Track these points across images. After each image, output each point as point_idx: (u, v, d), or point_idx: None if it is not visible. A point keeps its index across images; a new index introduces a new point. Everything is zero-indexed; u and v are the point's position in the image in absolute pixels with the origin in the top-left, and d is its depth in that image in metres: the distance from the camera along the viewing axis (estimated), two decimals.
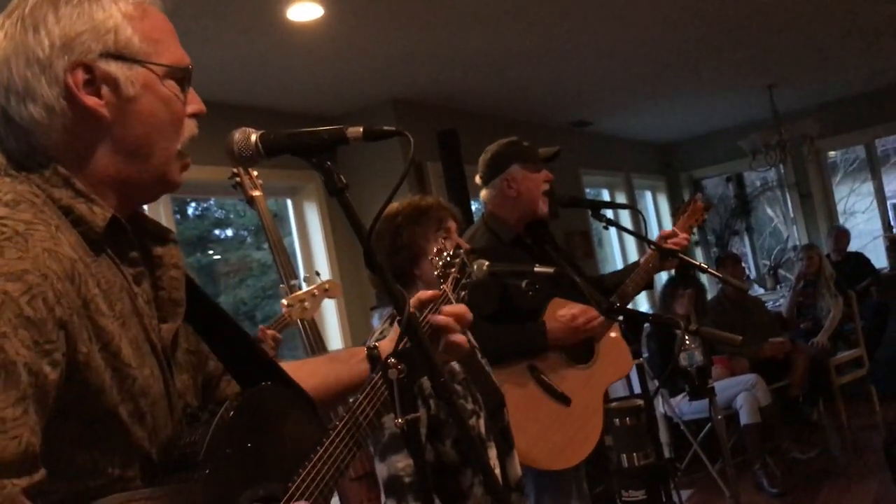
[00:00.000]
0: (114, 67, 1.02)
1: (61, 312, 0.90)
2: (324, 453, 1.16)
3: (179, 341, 1.13)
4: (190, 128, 1.11)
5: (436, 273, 1.60)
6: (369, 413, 1.26)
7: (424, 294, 1.49)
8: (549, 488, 2.64)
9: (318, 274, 2.96)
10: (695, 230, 2.99)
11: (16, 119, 1.00)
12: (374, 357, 1.43)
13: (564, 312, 2.66)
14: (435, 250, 1.64)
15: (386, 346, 1.46)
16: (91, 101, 1.01)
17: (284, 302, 2.70)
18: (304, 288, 2.76)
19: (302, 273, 5.08)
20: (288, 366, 1.27)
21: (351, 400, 1.28)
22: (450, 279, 1.59)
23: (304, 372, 1.29)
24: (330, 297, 2.79)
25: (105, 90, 1.02)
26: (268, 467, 1.10)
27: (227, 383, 1.27)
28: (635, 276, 2.83)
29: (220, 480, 1.02)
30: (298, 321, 2.79)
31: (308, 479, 1.12)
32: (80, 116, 1.01)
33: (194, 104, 1.12)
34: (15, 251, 0.89)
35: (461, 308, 1.49)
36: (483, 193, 2.94)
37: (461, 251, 1.66)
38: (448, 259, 1.62)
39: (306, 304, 2.72)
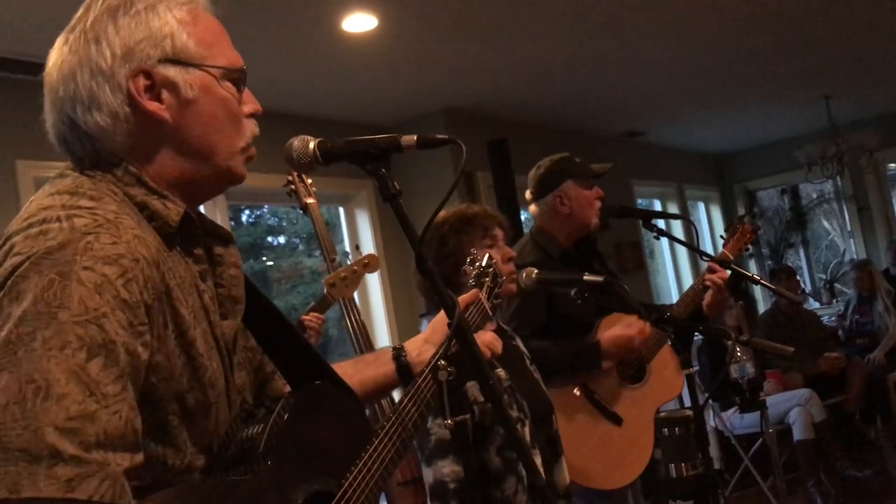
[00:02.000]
0: (172, 72, 1.06)
1: (147, 296, 0.95)
2: (373, 452, 1.19)
3: (238, 339, 1.16)
4: (251, 127, 1.15)
5: (470, 282, 1.63)
6: (414, 414, 1.29)
7: (462, 298, 1.53)
8: (605, 502, 2.64)
9: (357, 248, 2.99)
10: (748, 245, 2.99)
11: (82, 127, 1.05)
12: (399, 358, 1.47)
13: (620, 334, 2.64)
14: (468, 260, 1.67)
15: (412, 346, 1.49)
16: (153, 105, 1.05)
17: (326, 282, 2.72)
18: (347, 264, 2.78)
19: (347, 247, 5.14)
20: None
21: (398, 400, 1.30)
22: (484, 287, 1.62)
23: None
24: (370, 271, 2.80)
25: (165, 94, 1.06)
26: (322, 463, 1.13)
27: (281, 379, 1.30)
28: (685, 297, 2.83)
29: (280, 474, 1.05)
30: (348, 320, 2.82)
31: (360, 476, 1.15)
32: (143, 121, 1.06)
33: (250, 104, 1.16)
34: (109, 237, 0.94)
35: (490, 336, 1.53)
36: (532, 208, 2.93)
37: (493, 261, 1.69)
38: (481, 268, 1.65)
39: (347, 280, 2.73)
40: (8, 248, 0.94)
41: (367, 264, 2.78)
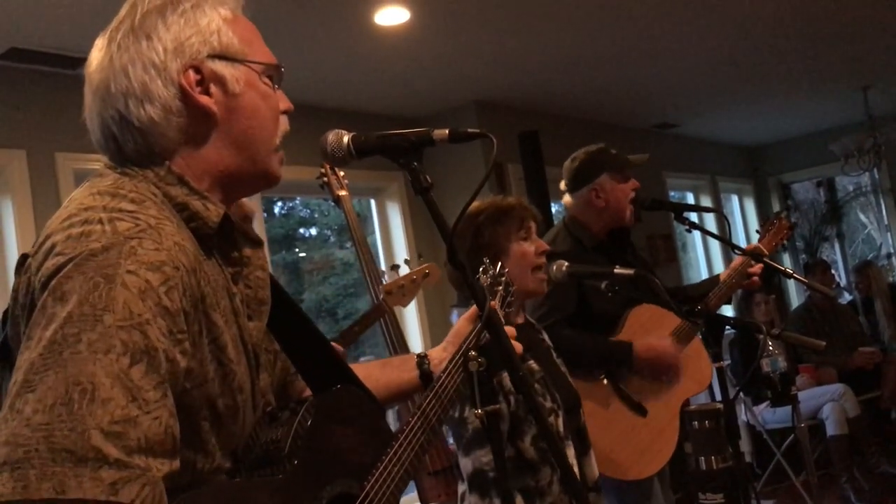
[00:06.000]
0: (220, 67, 1.10)
1: (185, 304, 0.96)
2: (394, 455, 1.22)
3: (262, 340, 1.18)
4: (283, 123, 1.19)
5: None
6: (432, 419, 1.32)
7: (476, 310, 1.55)
8: (631, 494, 2.64)
9: (420, 256, 2.92)
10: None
11: (135, 122, 1.07)
12: (422, 366, 1.50)
13: (657, 345, 2.64)
14: (481, 269, 1.69)
15: (435, 354, 1.53)
16: (204, 99, 1.09)
17: (383, 289, 2.64)
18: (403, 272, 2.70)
19: (378, 240, 5.11)
20: None
21: (419, 402, 1.33)
22: (497, 297, 1.64)
23: (358, 375, 1.34)
24: (430, 281, 2.71)
25: (214, 89, 1.09)
26: (345, 465, 1.15)
27: (301, 381, 1.33)
28: (718, 291, 2.81)
29: (304, 475, 1.08)
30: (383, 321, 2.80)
31: (381, 478, 1.18)
32: (194, 114, 1.09)
33: (284, 101, 1.20)
34: (152, 243, 0.95)
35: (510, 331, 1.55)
36: (566, 199, 2.92)
37: (506, 270, 1.71)
38: (493, 277, 1.67)
39: (405, 290, 2.67)
40: (49, 246, 0.95)
41: (428, 274, 2.72)
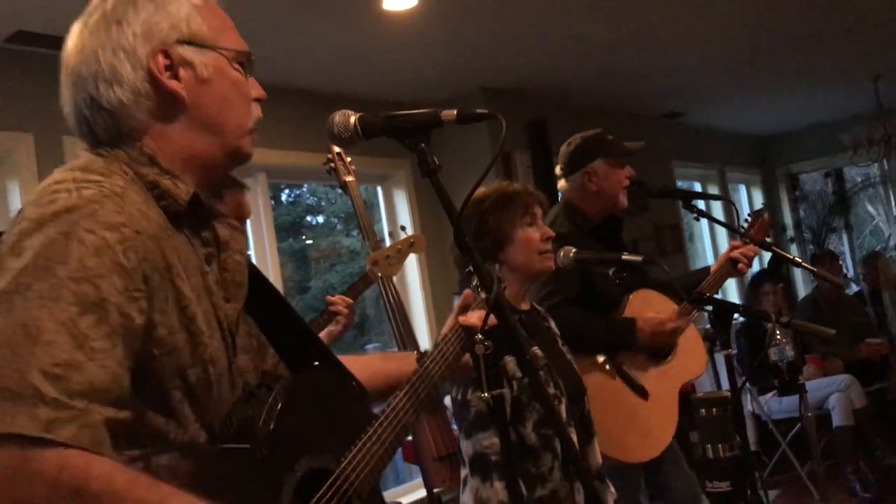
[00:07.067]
0: (189, 52, 1.13)
1: (146, 267, 0.99)
2: (373, 433, 1.23)
3: (241, 324, 1.19)
4: (256, 110, 1.21)
5: (473, 284, 1.66)
6: (416, 399, 1.33)
7: (461, 303, 1.60)
8: (620, 480, 2.65)
9: (403, 229, 2.94)
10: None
11: (105, 104, 1.10)
12: (421, 360, 1.51)
13: (653, 316, 2.64)
14: (466, 273, 1.70)
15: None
16: (172, 83, 1.11)
17: (369, 260, 2.67)
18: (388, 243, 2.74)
19: (385, 226, 5.11)
20: (343, 359, 1.34)
21: (404, 382, 1.35)
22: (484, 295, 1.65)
23: (357, 365, 1.36)
24: (415, 251, 2.75)
25: (183, 73, 1.12)
26: (322, 441, 1.16)
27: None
28: (710, 280, 2.81)
29: (279, 449, 1.08)
30: (386, 298, 2.80)
31: (359, 455, 1.19)
32: (162, 98, 1.11)
33: (256, 89, 1.22)
34: (113, 206, 0.99)
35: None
36: (561, 184, 2.93)
37: (499, 273, 1.71)
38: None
39: (391, 260, 2.69)
40: (20, 218, 0.99)
41: (413, 244, 2.73)
